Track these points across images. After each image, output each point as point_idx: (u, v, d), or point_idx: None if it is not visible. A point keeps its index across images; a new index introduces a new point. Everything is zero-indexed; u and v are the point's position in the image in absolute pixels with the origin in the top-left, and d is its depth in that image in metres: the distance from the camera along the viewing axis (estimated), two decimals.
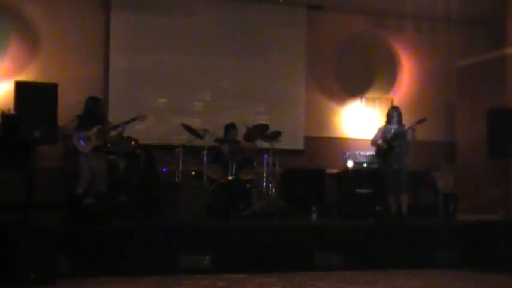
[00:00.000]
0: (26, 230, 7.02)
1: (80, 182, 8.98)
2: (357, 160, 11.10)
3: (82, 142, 9.08)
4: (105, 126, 9.26)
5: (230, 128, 10.56)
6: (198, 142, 10.16)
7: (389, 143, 9.53)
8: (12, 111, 8.28)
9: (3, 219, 7.30)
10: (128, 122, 9.40)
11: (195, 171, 10.24)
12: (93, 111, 9.29)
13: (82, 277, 7.32)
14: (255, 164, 10.42)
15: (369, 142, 10.02)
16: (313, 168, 11.34)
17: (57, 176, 9.78)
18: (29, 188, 7.44)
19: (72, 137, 9.00)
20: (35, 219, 7.30)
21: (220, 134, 10.50)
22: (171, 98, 11.38)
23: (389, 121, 9.75)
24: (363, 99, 12.55)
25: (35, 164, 7.86)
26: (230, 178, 9.92)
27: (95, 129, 9.14)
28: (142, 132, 10.52)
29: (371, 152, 10.47)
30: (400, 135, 9.52)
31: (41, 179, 8.59)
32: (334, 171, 11.29)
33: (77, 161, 9.13)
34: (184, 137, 10.27)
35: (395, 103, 11.64)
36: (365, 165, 11.02)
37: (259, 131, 10.44)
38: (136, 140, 10.07)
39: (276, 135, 10.47)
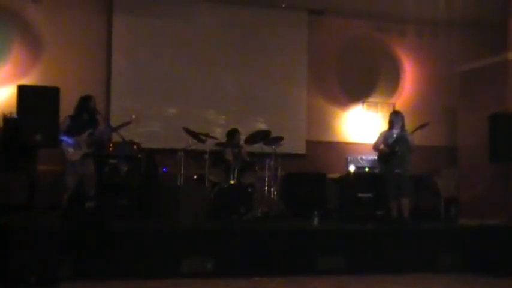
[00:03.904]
0: (27, 232, 7.03)
1: (66, 189, 9.07)
2: (359, 164, 11.12)
3: (71, 149, 9.11)
4: (95, 132, 9.30)
5: (234, 133, 10.58)
6: (199, 146, 10.18)
7: (391, 148, 9.54)
8: (15, 115, 8.31)
9: (4, 221, 7.31)
10: (119, 127, 9.47)
11: (197, 175, 10.25)
12: (85, 109, 9.34)
13: (83, 280, 7.32)
14: (256, 168, 10.42)
15: (371, 147, 10.03)
16: (314, 173, 11.36)
17: (58, 179, 9.80)
18: (30, 190, 7.45)
19: (61, 142, 9.00)
20: (36, 222, 7.31)
21: (222, 138, 10.50)
22: (172, 102, 11.41)
23: (391, 126, 9.74)
24: (365, 104, 12.57)
25: (35, 166, 7.88)
26: (232, 182, 9.94)
27: (85, 135, 9.18)
28: (145, 136, 10.56)
29: (373, 156, 10.48)
30: (402, 140, 9.52)
31: (41, 181, 8.62)
32: (336, 175, 11.30)
33: (64, 167, 9.20)
34: (186, 141, 10.27)
35: (397, 108, 11.67)
36: (367, 169, 11.03)
37: (261, 136, 10.48)
38: (138, 144, 10.09)
39: (278, 140, 10.49)
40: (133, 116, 9.69)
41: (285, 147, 10.82)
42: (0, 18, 10.65)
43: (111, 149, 9.77)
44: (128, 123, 9.60)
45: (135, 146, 10.03)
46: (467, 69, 11.06)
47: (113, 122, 10.03)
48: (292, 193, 10.92)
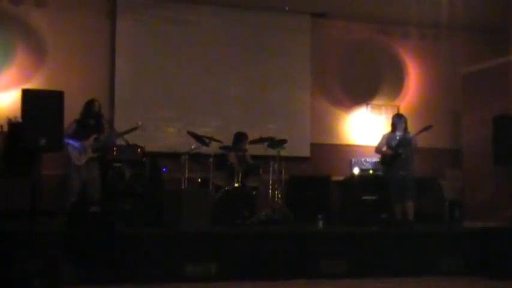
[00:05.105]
0: (30, 237, 7.05)
1: (69, 193, 9.09)
2: (363, 167, 11.12)
3: (77, 153, 9.14)
4: (101, 137, 9.33)
5: (241, 136, 10.59)
6: (204, 149, 10.18)
7: (394, 150, 9.54)
8: (19, 119, 8.34)
9: (7, 226, 7.33)
10: (125, 133, 9.50)
11: (201, 179, 10.26)
12: (89, 113, 9.37)
13: (86, 285, 7.33)
14: (261, 171, 10.43)
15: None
16: (318, 176, 11.34)
17: (61, 183, 9.83)
18: (33, 195, 7.46)
19: (67, 145, 9.03)
20: (39, 227, 7.33)
21: (226, 141, 10.52)
22: (176, 106, 11.42)
23: (394, 129, 9.75)
24: (369, 106, 12.55)
25: (39, 171, 7.90)
26: (236, 185, 9.94)
27: (91, 139, 9.22)
28: (148, 140, 10.57)
29: (377, 158, 10.47)
30: (405, 142, 9.53)
31: (45, 186, 8.65)
32: (340, 178, 11.30)
33: (68, 170, 9.22)
34: (190, 144, 10.27)
35: (401, 110, 11.64)
36: (371, 172, 11.02)
37: (265, 140, 10.49)
38: (142, 148, 10.11)
39: (281, 142, 10.49)
40: (139, 123, 9.72)
41: (289, 150, 10.80)
42: (4, 23, 10.70)
43: (115, 153, 9.79)
44: (134, 129, 9.63)
45: (139, 150, 10.04)
46: (471, 71, 11.03)
47: (117, 126, 10.07)
48: (297, 196, 10.91)
